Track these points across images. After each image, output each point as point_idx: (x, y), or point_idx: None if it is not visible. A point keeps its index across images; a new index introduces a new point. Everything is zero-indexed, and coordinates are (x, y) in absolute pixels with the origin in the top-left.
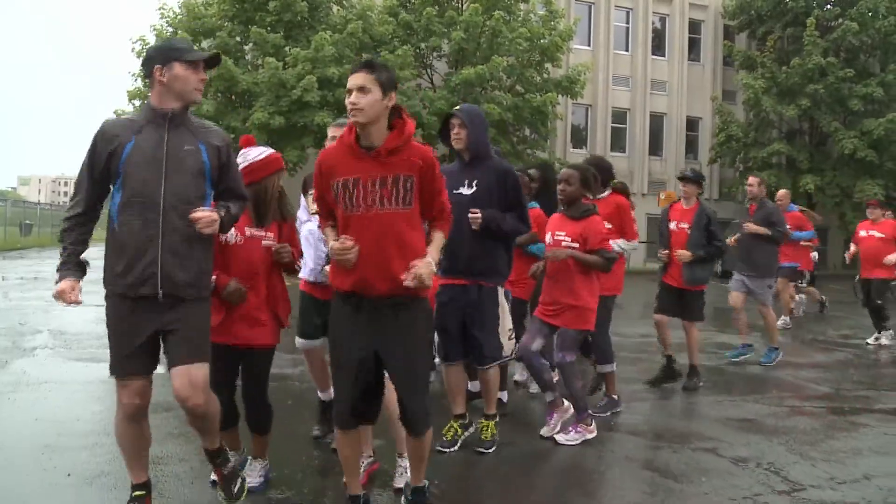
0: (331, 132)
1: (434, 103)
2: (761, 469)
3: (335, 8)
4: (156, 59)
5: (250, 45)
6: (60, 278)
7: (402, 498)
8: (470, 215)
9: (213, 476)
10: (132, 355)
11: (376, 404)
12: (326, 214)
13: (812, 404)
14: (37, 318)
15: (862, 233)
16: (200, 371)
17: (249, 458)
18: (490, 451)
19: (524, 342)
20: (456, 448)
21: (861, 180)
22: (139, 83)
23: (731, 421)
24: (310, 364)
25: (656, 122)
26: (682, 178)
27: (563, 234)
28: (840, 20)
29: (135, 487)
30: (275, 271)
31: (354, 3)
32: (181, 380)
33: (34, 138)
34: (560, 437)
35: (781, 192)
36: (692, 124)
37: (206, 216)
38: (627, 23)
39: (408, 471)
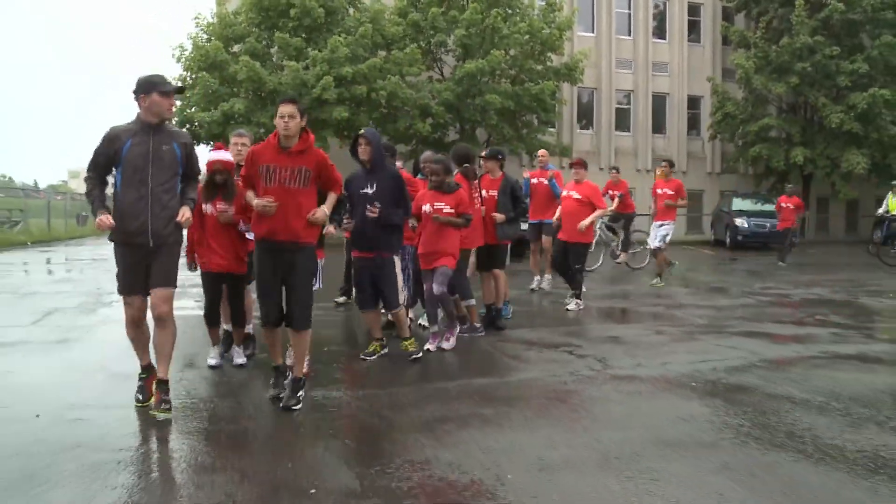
0: (233, 139)
1: (441, 94)
2: (593, 359)
3: (351, 10)
4: (141, 89)
5: (275, 48)
6: (98, 214)
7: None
8: (369, 212)
9: (153, 400)
10: (133, 282)
11: (280, 313)
12: (248, 185)
13: (676, 328)
14: (109, 285)
15: (563, 192)
16: (169, 291)
17: (234, 346)
18: (419, 356)
19: (426, 290)
20: (374, 357)
21: (847, 151)
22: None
23: (602, 337)
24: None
25: (659, 102)
26: (483, 157)
27: (443, 204)
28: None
29: (142, 369)
30: (234, 228)
31: (368, 5)
32: (157, 295)
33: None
34: (445, 345)
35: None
36: (693, 103)
37: (186, 219)
38: (629, 8)
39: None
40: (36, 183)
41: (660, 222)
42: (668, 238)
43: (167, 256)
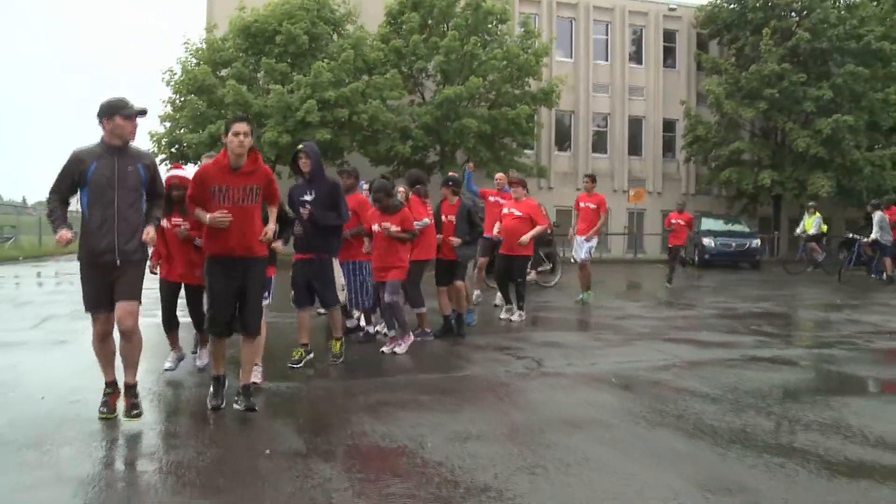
0: (203, 160)
1: (421, 118)
2: (530, 360)
3: (335, 36)
4: (104, 112)
5: (261, 73)
6: (59, 230)
7: (236, 391)
8: (303, 213)
9: (122, 404)
10: (99, 299)
11: (231, 324)
12: (198, 203)
13: (616, 336)
14: None
15: (505, 210)
16: (134, 305)
17: (198, 349)
18: (339, 361)
19: (382, 299)
20: (301, 365)
21: (814, 174)
22: (169, 108)
23: (545, 343)
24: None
25: (635, 125)
26: (444, 185)
27: (388, 223)
28: (796, 29)
29: (107, 385)
30: (191, 242)
31: (351, 32)
32: (122, 309)
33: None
34: (398, 350)
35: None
36: (669, 126)
37: (151, 237)
38: (607, 34)
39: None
40: (24, 199)
41: (584, 237)
42: (592, 251)
43: (132, 272)
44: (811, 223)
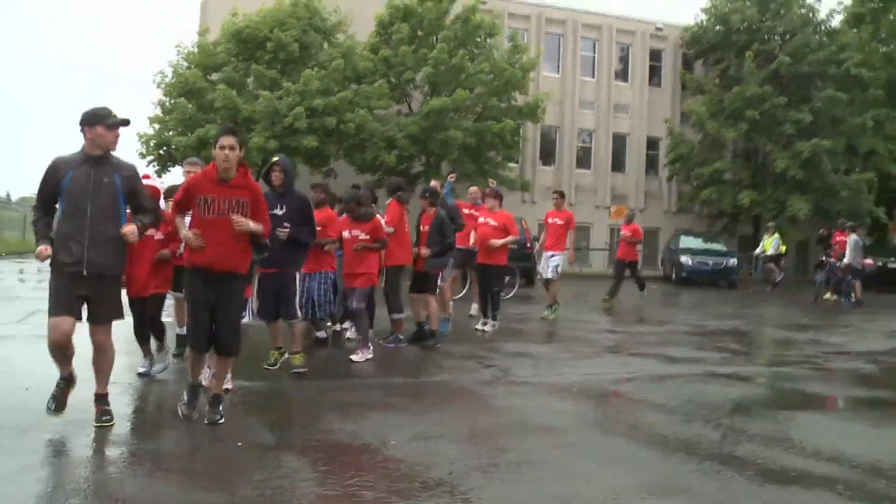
0: (186, 168)
1: (407, 128)
2: (498, 369)
3: (325, 45)
4: (86, 121)
5: (251, 78)
6: (40, 244)
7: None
8: (279, 232)
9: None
10: (64, 303)
11: (208, 342)
12: (179, 211)
13: (586, 348)
14: None
15: (481, 220)
16: (107, 327)
17: (157, 353)
18: (303, 370)
19: (350, 304)
20: (277, 367)
21: (792, 196)
22: (159, 110)
23: (516, 353)
24: (177, 303)
25: (619, 141)
26: (422, 196)
27: (359, 231)
28: (778, 53)
29: (62, 378)
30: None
31: (341, 41)
32: (93, 327)
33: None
34: (355, 358)
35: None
36: (652, 144)
37: (131, 231)
38: (594, 51)
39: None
40: (8, 195)
41: (551, 252)
42: (560, 268)
43: (106, 290)
44: (770, 243)
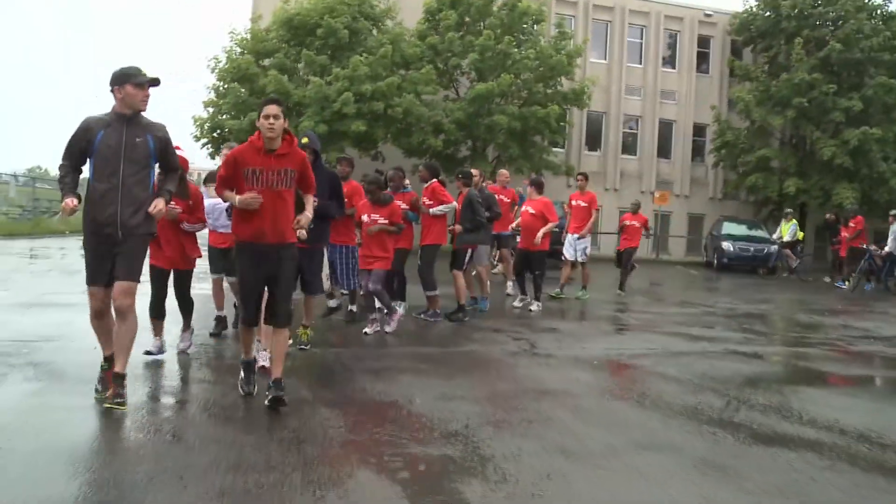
0: (224, 151)
1: (454, 113)
2: (526, 342)
3: (374, 31)
4: (115, 81)
5: (302, 64)
6: (66, 197)
7: (267, 386)
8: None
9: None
10: (97, 272)
11: (258, 313)
12: (226, 187)
13: (611, 326)
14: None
15: (524, 209)
16: (131, 285)
17: (182, 331)
18: (307, 347)
19: (365, 285)
20: (309, 346)
21: (839, 184)
22: (213, 95)
23: (544, 329)
24: (214, 285)
25: (665, 128)
26: (456, 177)
27: (378, 215)
28: (829, 39)
29: (105, 359)
30: (187, 233)
31: (390, 28)
32: (118, 288)
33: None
34: (388, 328)
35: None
36: (699, 130)
37: (158, 210)
38: (641, 38)
39: (269, 358)
40: (47, 171)
41: (577, 235)
42: (588, 250)
43: (133, 249)
44: (787, 230)
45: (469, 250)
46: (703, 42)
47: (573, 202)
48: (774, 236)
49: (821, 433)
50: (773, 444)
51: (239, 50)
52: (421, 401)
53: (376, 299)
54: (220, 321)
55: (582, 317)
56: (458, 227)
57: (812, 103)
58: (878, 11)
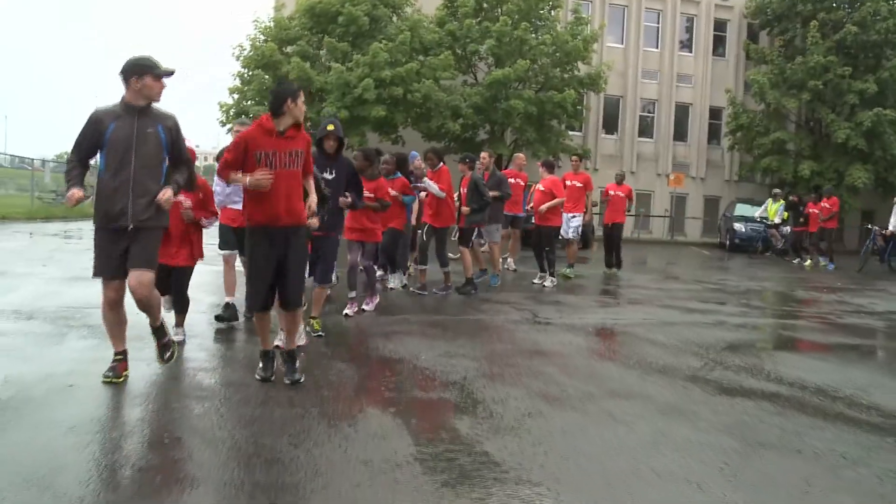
0: (235, 128)
1: (471, 98)
2: (529, 312)
3: (394, 18)
4: (133, 71)
5: (323, 51)
6: (71, 188)
7: (280, 357)
8: (342, 202)
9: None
10: (109, 265)
11: (272, 297)
12: (233, 168)
13: (612, 299)
14: None
15: (535, 188)
16: (147, 275)
17: (175, 328)
18: (321, 336)
19: (350, 260)
20: (323, 334)
21: (853, 166)
22: (237, 81)
23: (548, 301)
24: (226, 266)
25: (682, 111)
26: (461, 161)
27: (366, 190)
28: (845, 21)
29: (116, 353)
30: (192, 224)
31: (409, 14)
32: (136, 278)
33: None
34: (366, 307)
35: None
36: (715, 113)
37: (166, 198)
38: (658, 22)
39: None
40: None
41: (571, 214)
42: (580, 229)
43: (147, 240)
44: (775, 210)
45: (476, 228)
46: (720, 26)
47: (567, 182)
48: (757, 213)
49: (781, 388)
50: (736, 395)
51: (263, 38)
52: (426, 357)
53: (367, 275)
54: (230, 309)
55: (587, 292)
56: (465, 209)
57: (827, 86)
58: None
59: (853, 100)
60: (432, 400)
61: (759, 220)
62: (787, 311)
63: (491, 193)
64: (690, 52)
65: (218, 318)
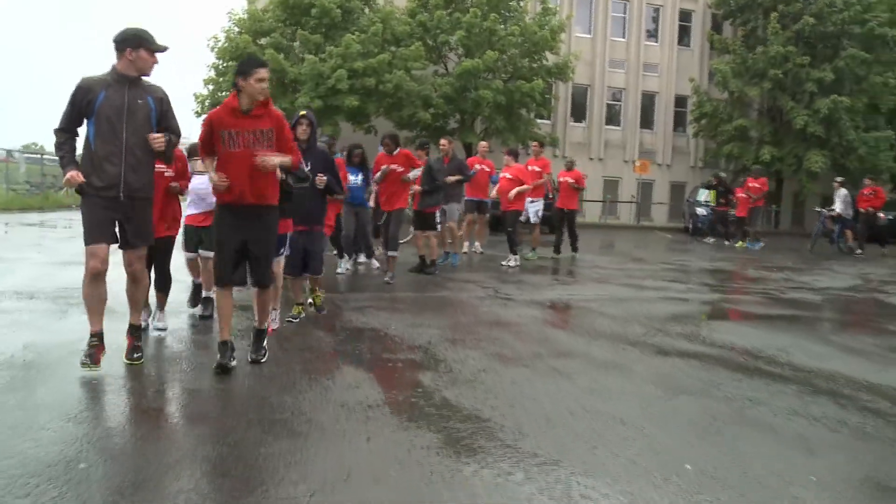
0: None
1: (442, 88)
2: (492, 289)
3: (366, 10)
4: (129, 42)
5: (297, 43)
6: (68, 170)
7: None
8: (318, 182)
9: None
10: (100, 231)
11: (239, 274)
12: (207, 148)
13: (571, 279)
14: None
15: (502, 175)
16: (142, 251)
17: (156, 309)
18: (324, 311)
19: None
20: (298, 320)
21: (811, 152)
22: (212, 73)
23: (511, 280)
24: (189, 265)
25: (648, 99)
26: (418, 147)
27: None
28: (803, 13)
29: (92, 336)
30: (174, 196)
31: (381, 6)
32: (130, 255)
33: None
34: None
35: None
36: (680, 101)
37: (160, 137)
38: (624, 12)
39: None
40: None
41: (531, 199)
42: (541, 213)
43: (140, 214)
44: (714, 196)
45: (436, 212)
46: (685, 16)
47: (528, 167)
48: (702, 199)
49: (712, 350)
50: (669, 356)
51: (237, 30)
52: (395, 327)
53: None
54: (209, 303)
55: (547, 272)
56: (417, 187)
57: (787, 75)
58: None
59: (812, 88)
60: (400, 360)
61: (703, 203)
62: (735, 288)
63: (453, 178)
64: (656, 41)
65: (202, 317)
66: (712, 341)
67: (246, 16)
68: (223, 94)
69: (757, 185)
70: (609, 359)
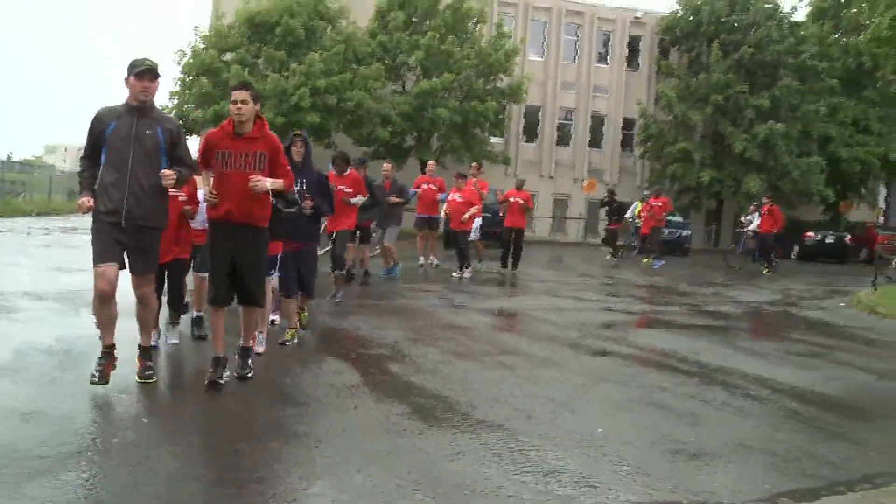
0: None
1: (400, 106)
2: (447, 299)
3: (329, 30)
4: (127, 72)
5: (261, 59)
6: (81, 196)
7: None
8: (305, 204)
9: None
10: (107, 251)
11: (231, 293)
12: (205, 166)
13: (520, 290)
14: None
15: (451, 196)
16: (149, 276)
17: (169, 324)
18: (307, 332)
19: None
20: (291, 344)
21: (749, 175)
22: (178, 87)
23: (465, 291)
24: (196, 283)
25: (597, 120)
26: (356, 165)
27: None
28: (743, 43)
29: (105, 350)
30: (182, 217)
31: (343, 27)
32: (137, 279)
33: (59, 107)
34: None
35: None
36: (628, 123)
37: (170, 174)
38: (576, 37)
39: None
40: (10, 157)
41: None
42: (480, 229)
43: (145, 243)
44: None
45: (371, 225)
46: (634, 41)
47: (472, 188)
48: (627, 216)
49: (635, 351)
50: (598, 355)
51: (203, 45)
52: (363, 329)
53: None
54: (202, 324)
55: (500, 284)
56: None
57: (728, 101)
58: (786, 20)
59: (751, 114)
60: (370, 354)
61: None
62: (666, 301)
63: (394, 199)
64: (606, 64)
65: (195, 337)
66: (636, 344)
67: (212, 32)
68: (189, 107)
69: (658, 205)
70: (546, 356)
